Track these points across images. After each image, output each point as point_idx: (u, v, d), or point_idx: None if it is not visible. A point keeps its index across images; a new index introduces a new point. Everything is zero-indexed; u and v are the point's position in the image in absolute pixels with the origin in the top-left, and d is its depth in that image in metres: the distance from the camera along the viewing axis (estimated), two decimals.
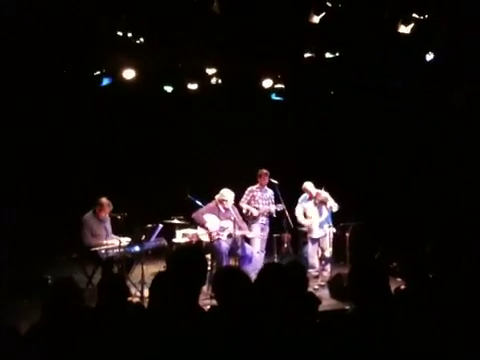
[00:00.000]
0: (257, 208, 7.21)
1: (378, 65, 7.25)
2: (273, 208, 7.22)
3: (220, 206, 6.66)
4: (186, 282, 2.49)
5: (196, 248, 3.20)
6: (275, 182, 7.26)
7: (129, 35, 6.31)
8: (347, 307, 4.75)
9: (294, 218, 7.20)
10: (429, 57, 6.75)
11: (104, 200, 6.13)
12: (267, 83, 8.37)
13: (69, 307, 2.59)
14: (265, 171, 7.31)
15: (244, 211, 7.24)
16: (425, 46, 6.67)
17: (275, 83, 8.40)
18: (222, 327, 2.56)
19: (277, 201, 7.26)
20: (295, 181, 7.33)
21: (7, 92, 6.69)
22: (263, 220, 7.30)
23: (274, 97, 8.77)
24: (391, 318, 2.60)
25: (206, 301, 4.43)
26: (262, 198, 7.31)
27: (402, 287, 3.92)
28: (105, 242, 5.92)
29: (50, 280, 5.96)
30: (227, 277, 2.81)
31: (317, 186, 7.15)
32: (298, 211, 7.21)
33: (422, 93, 7.38)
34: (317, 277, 6.90)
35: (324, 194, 7.00)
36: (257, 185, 7.36)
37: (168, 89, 8.19)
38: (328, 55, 7.17)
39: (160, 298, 2.52)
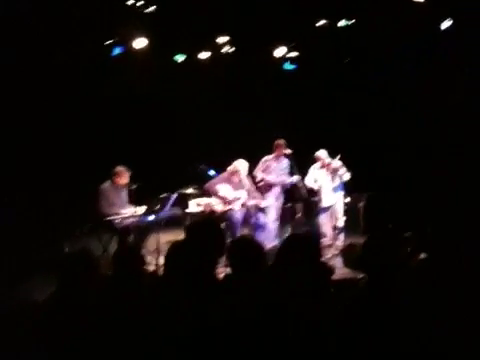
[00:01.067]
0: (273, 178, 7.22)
1: (392, 33, 7.08)
2: (288, 180, 7.20)
3: (233, 176, 6.66)
4: (203, 254, 2.51)
5: (214, 220, 3.22)
6: (289, 151, 7.21)
7: (140, 3, 6.23)
8: (360, 276, 4.77)
9: (307, 188, 7.19)
10: (444, 25, 6.59)
11: (121, 167, 6.15)
12: (280, 52, 8.24)
13: (85, 278, 2.63)
14: (281, 141, 7.24)
15: (258, 179, 7.23)
16: (440, 14, 6.51)
17: (288, 52, 8.27)
18: (236, 296, 2.59)
19: (292, 172, 7.23)
20: (308, 150, 7.28)
21: (18, 61, 6.67)
22: (277, 190, 7.30)
23: (287, 66, 8.64)
24: (404, 290, 2.61)
25: (220, 269, 4.47)
26: (278, 168, 7.28)
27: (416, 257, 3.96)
28: (121, 211, 5.98)
29: (67, 249, 6.09)
30: (241, 247, 2.83)
31: (332, 155, 7.10)
32: (308, 178, 7.18)
33: (438, 61, 7.21)
34: (330, 246, 6.91)
35: (336, 163, 6.96)
36: (273, 155, 7.32)
37: (180, 58, 8.10)
38: (342, 23, 7.01)
39: (176, 268, 2.54)
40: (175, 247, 2.60)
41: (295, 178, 7.10)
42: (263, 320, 2.41)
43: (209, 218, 4.12)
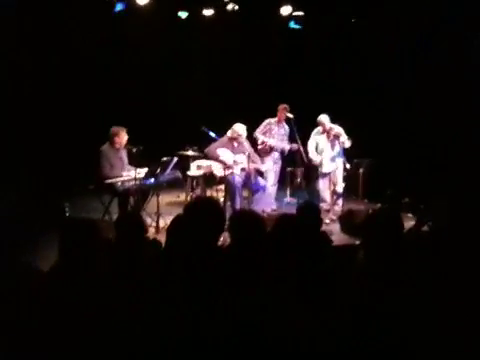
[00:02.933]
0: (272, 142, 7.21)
1: None
2: (287, 146, 7.20)
3: (233, 141, 6.65)
4: (203, 232, 2.54)
5: (213, 200, 3.22)
6: (290, 116, 7.17)
7: None
8: (357, 242, 4.84)
9: (307, 153, 7.18)
10: None
11: (117, 127, 6.08)
12: (286, 10, 8.05)
13: (87, 248, 2.66)
14: (284, 105, 7.21)
15: (259, 142, 7.22)
16: None
17: (294, 10, 8.07)
18: (236, 266, 2.63)
19: (292, 137, 7.21)
20: (311, 114, 7.22)
21: (20, 18, 6.53)
22: (275, 155, 7.31)
23: (292, 25, 8.46)
24: (402, 261, 2.65)
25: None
26: (278, 133, 7.28)
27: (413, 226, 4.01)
28: (122, 173, 5.99)
29: (68, 209, 6.15)
30: (241, 220, 2.85)
31: (334, 120, 7.06)
32: (310, 145, 7.17)
33: (448, 27, 7.03)
34: (328, 211, 6.98)
35: (338, 129, 6.93)
36: (276, 118, 7.29)
37: (183, 15, 7.92)
38: None
39: (177, 242, 2.59)
40: (176, 221, 2.63)
41: (294, 146, 7.09)
42: (261, 290, 2.45)
43: (208, 198, 4.12)
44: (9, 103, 6.59)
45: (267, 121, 7.32)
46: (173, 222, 2.67)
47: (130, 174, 5.94)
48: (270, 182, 7.13)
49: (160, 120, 8.29)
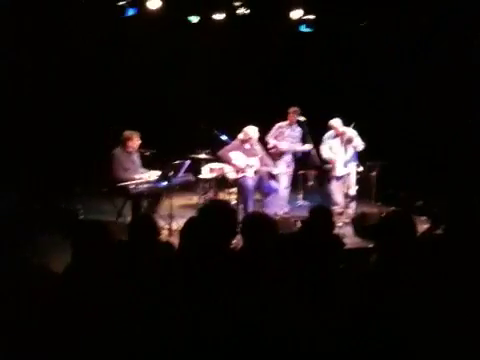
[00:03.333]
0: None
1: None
2: (300, 148, 7.20)
3: (245, 144, 6.66)
4: (216, 235, 2.55)
5: (226, 203, 3.24)
6: (303, 119, 7.17)
7: None
8: (370, 246, 4.82)
9: (320, 155, 7.17)
10: None
11: (130, 131, 6.12)
12: (296, 14, 8.05)
13: (100, 249, 2.68)
14: (295, 108, 7.21)
15: (270, 146, 7.23)
16: None
17: (305, 14, 8.07)
18: (248, 268, 2.64)
19: (304, 140, 7.21)
20: (323, 117, 7.21)
21: (30, 21, 6.60)
22: (288, 157, 7.31)
23: (303, 28, 8.45)
24: (416, 264, 2.63)
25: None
26: (290, 136, 7.28)
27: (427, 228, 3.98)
28: (135, 176, 6.03)
29: (81, 212, 6.20)
30: (255, 223, 2.86)
31: (347, 123, 7.03)
32: (324, 148, 7.15)
33: (455, 27, 6.99)
34: (341, 214, 6.94)
35: (350, 132, 6.90)
36: (286, 122, 7.30)
37: (194, 19, 7.95)
38: None
39: (191, 244, 2.60)
40: (190, 224, 2.65)
41: (307, 146, 7.09)
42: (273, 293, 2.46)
43: (223, 202, 4.14)
44: (19, 105, 6.67)
45: (278, 125, 7.33)
46: (186, 224, 2.68)
47: (143, 177, 5.98)
48: (283, 185, 7.12)
49: (172, 123, 8.33)
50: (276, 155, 7.24)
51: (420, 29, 7.32)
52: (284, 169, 7.15)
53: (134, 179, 5.96)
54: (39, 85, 6.98)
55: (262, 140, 7.10)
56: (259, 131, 6.80)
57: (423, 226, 4.24)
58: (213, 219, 2.62)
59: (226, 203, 3.41)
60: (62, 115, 7.23)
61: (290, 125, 7.29)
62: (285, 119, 7.32)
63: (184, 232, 2.66)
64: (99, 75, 7.78)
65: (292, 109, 7.22)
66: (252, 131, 6.64)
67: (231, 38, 8.35)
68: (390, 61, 7.93)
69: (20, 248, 4.42)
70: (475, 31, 6.65)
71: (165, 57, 8.34)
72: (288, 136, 7.28)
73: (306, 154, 7.26)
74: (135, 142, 6.13)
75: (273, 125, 7.36)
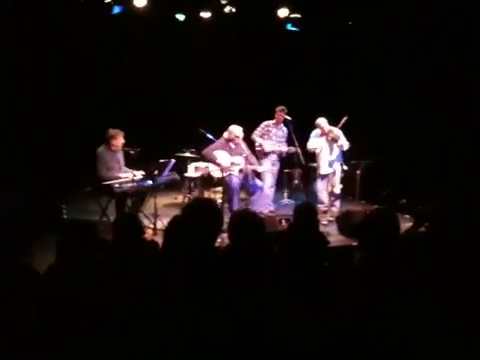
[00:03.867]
0: (270, 144, 7.22)
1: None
2: (284, 149, 7.22)
3: (230, 143, 6.66)
4: (201, 234, 2.55)
5: (211, 201, 3.23)
6: (288, 118, 7.18)
7: None
8: (354, 244, 4.85)
9: (305, 154, 7.19)
10: None
11: (114, 130, 6.07)
12: (283, 12, 8.07)
13: (84, 249, 2.66)
14: (282, 107, 7.20)
15: (256, 144, 7.24)
16: None
17: (291, 12, 8.10)
18: (235, 267, 2.63)
19: (290, 139, 7.23)
20: (309, 116, 7.24)
21: (18, 18, 6.53)
22: (273, 157, 7.32)
23: (290, 27, 8.48)
24: (399, 262, 2.65)
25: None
26: (276, 135, 7.29)
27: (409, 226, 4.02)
28: (119, 175, 5.99)
29: (65, 211, 6.14)
30: (242, 221, 2.84)
31: (333, 121, 7.05)
32: (310, 144, 7.18)
33: (447, 27, 7.05)
34: (326, 212, 6.99)
35: (336, 131, 6.94)
36: (273, 120, 7.29)
37: (180, 18, 7.93)
38: None
39: (175, 243, 2.59)
40: (174, 222, 2.64)
41: (292, 149, 7.10)
42: (259, 293, 2.46)
43: (206, 199, 4.13)
44: (7, 104, 6.58)
45: (265, 123, 7.32)
46: (171, 223, 2.67)
47: (127, 176, 5.95)
48: (268, 184, 7.12)
49: (158, 122, 8.30)
50: (261, 154, 7.24)
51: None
52: (269, 167, 7.15)
53: (119, 178, 5.93)
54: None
55: (248, 139, 7.11)
56: (245, 131, 6.81)
57: (406, 224, 4.27)
58: (197, 217, 2.61)
59: (210, 200, 3.40)
60: (45, 114, 7.15)
61: (277, 124, 7.29)
62: (272, 118, 7.31)
63: (168, 231, 2.65)
64: (84, 74, 7.71)
65: (279, 108, 7.22)
66: (237, 130, 6.64)
67: (218, 36, 8.33)
68: (378, 60, 7.98)
69: (14, 248, 4.38)
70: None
71: (151, 55, 8.29)
72: (274, 135, 7.28)
73: (291, 153, 7.27)
74: (119, 141, 6.08)
75: (259, 124, 7.35)
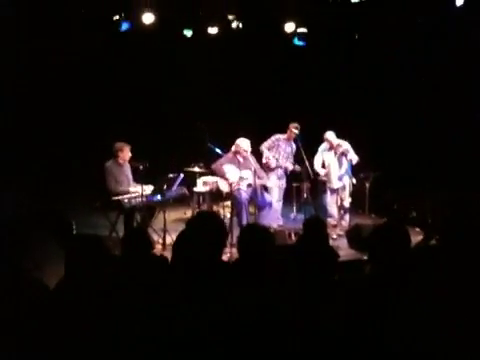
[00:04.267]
0: (276, 160, 7.20)
1: (404, 10, 6.95)
2: (290, 167, 7.20)
3: (238, 156, 6.66)
4: (205, 247, 2.54)
5: (214, 214, 3.23)
6: (296, 132, 7.16)
7: None
8: (365, 257, 4.81)
9: (313, 167, 7.17)
10: (459, 2, 6.47)
11: (120, 143, 6.10)
12: (289, 27, 8.12)
13: (94, 263, 2.66)
14: (295, 124, 7.14)
15: (264, 156, 7.21)
16: None
17: (298, 27, 8.15)
18: (242, 281, 2.62)
19: (298, 156, 7.19)
20: (317, 129, 7.24)
21: (27, 34, 6.62)
22: (279, 171, 7.31)
23: (296, 42, 8.53)
24: (410, 276, 2.62)
25: (226, 249, 4.48)
26: (285, 151, 7.26)
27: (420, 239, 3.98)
28: (128, 190, 6.00)
29: (74, 226, 6.15)
30: (252, 234, 2.84)
31: (340, 135, 7.05)
32: (317, 161, 7.17)
33: (450, 41, 7.07)
34: (336, 226, 6.95)
35: (345, 145, 6.92)
36: (285, 136, 7.27)
37: (188, 34, 8.00)
38: None
39: (181, 257, 2.58)
40: (180, 237, 2.63)
41: (297, 168, 7.08)
42: (268, 306, 2.44)
43: (208, 212, 4.13)
44: (13, 117, 6.66)
45: (276, 137, 7.27)
46: (178, 238, 2.67)
47: (137, 190, 5.96)
48: (275, 198, 7.11)
49: (166, 137, 8.34)
50: (267, 167, 7.24)
51: (416, 40, 7.40)
52: (275, 182, 7.14)
53: (128, 192, 5.94)
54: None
55: (257, 152, 7.09)
56: (253, 145, 6.80)
57: (417, 237, 4.24)
58: (200, 230, 2.61)
59: (213, 213, 3.40)
60: (56, 129, 7.22)
61: (287, 140, 7.27)
62: (281, 132, 7.31)
63: (176, 245, 2.64)
64: (94, 89, 7.80)
65: (293, 125, 7.14)
66: (243, 143, 6.64)
67: (226, 52, 8.40)
68: (384, 73, 8.00)
69: (16, 255, 4.39)
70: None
71: (159, 71, 8.37)
72: (283, 151, 7.25)
73: (296, 171, 7.24)
74: (126, 153, 6.11)
75: (268, 136, 7.34)
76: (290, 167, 7.23)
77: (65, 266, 2.74)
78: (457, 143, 7.00)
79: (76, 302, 2.54)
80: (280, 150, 7.25)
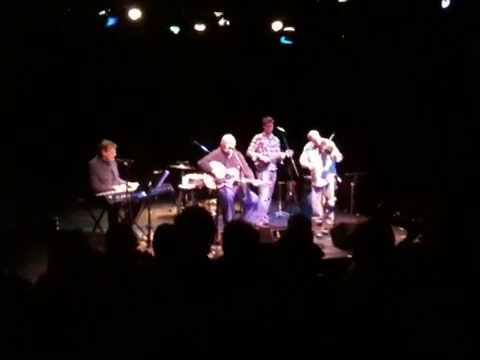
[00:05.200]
0: (267, 156, 7.22)
1: (391, 11, 7.00)
2: (283, 154, 7.20)
3: (225, 152, 6.65)
4: (194, 242, 2.53)
5: (203, 210, 3.21)
6: (282, 130, 7.20)
7: None
8: (349, 256, 4.83)
9: (299, 166, 7.20)
10: (445, 4, 6.53)
11: (106, 141, 6.06)
12: (277, 26, 8.13)
13: (77, 260, 2.64)
14: (269, 118, 7.27)
15: (254, 159, 7.23)
16: None
17: (285, 26, 8.16)
18: (227, 278, 2.62)
19: (283, 148, 7.24)
20: (301, 129, 7.26)
21: (10, 29, 6.53)
22: (272, 167, 7.33)
23: (283, 40, 8.53)
24: (394, 274, 2.64)
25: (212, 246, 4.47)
26: (270, 145, 7.31)
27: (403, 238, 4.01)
28: (113, 187, 5.96)
29: (58, 222, 6.10)
30: (236, 232, 2.83)
31: (325, 134, 7.08)
32: (302, 158, 7.20)
33: (436, 42, 7.14)
34: (320, 225, 6.98)
35: (329, 143, 6.95)
36: (263, 133, 7.32)
37: (175, 30, 7.96)
38: None
39: (166, 252, 2.57)
40: (162, 231, 2.62)
41: (289, 152, 7.08)
42: (253, 303, 2.44)
43: (199, 208, 4.13)
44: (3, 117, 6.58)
45: (256, 137, 7.33)
46: (157, 233, 2.64)
47: (121, 187, 5.92)
48: (264, 197, 7.12)
49: (152, 133, 8.30)
50: (260, 167, 7.25)
51: (410, 39, 7.44)
52: (267, 181, 7.15)
53: (112, 189, 5.90)
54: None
55: (243, 151, 7.09)
56: (240, 142, 6.80)
57: (401, 236, 4.28)
58: (190, 226, 2.60)
59: (202, 209, 3.38)
60: (40, 126, 7.14)
61: (267, 135, 7.32)
62: (261, 131, 7.33)
63: (157, 240, 2.63)
64: (78, 86, 7.72)
65: (266, 119, 7.26)
66: (228, 139, 6.63)
67: (213, 49, 8.38)
68: (371, 71, 8.03)
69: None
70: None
71: (145, 67, 8.32)
72: (268, 145, 7.30)
73: (287, 163, 7.27)
74: (110, 152, 6.05)
75: (254, 134, 7.36)
76: (282, 155, 7.23)
77: (48, 262, 2.71)
78: (444, 144, 7.06)
79: (58, 298, 2.51)
80: (265, 146, 7.28)
